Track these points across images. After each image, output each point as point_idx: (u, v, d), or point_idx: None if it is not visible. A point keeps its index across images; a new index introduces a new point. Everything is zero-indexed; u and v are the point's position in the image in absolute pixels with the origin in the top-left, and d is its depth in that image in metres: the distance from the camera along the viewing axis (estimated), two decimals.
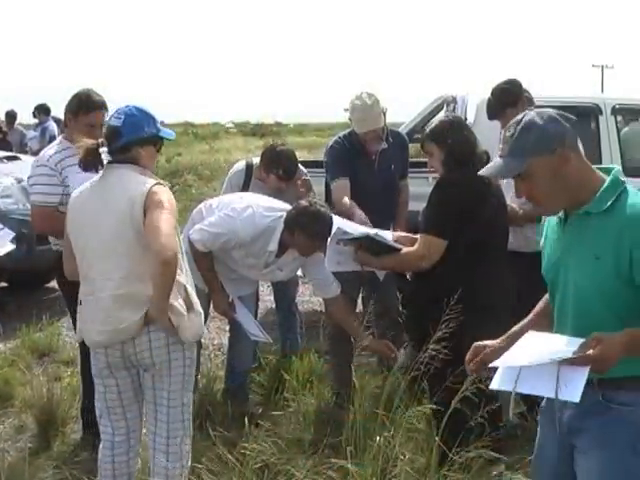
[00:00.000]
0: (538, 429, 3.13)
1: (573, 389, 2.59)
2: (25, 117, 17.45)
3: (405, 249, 4.55)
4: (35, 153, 12.48)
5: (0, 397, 6.01)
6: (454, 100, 8.19)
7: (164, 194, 3.86)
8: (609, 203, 2.72)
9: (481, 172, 2.98)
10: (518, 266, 4.65)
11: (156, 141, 4.09)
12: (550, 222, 3.02)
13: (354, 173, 5.63)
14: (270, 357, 6.01)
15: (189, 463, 3.99)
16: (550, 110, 2.82)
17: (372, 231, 4.72)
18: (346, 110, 5.92)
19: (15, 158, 10.40)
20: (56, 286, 7.97)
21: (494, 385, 2.80)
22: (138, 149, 4.00)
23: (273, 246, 5.04)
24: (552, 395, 2.63)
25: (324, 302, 5.41)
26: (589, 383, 2.61)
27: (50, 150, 5.16)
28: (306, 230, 4.92)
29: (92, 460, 4.73)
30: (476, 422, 3.79)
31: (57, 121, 15.68)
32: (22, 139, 16.27)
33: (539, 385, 2.67)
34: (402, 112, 9.79)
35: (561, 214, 2.88)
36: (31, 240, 8.25)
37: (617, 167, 2.88)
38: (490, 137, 5.44)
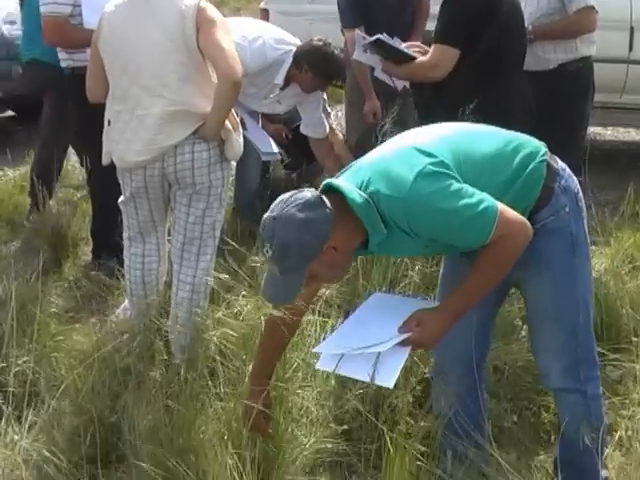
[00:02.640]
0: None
1: (389, 374, 2.61)
2: None
3: (419, 58, 4.40)
4: None
5: (11, 221, 6.05)
6: None
7: (214, 11, 3.75)
8: (382, 226, 2.60)
9: (262, 294, 2.79)
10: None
11: None
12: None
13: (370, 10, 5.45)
14: (282, 172, 6.01)
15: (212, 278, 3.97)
16: (293, 210, 2.52)
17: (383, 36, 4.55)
18: None
19: None
20: None
21: (318, 365, 2.80)
22: None
23: (280, 79, 5.07)
24: (367, 380, 2.64)
25: (310, 141, 5.55)
26: None
27: None
28: (315, 68, 5.02)
29: (103, 279, 4.77)
30: None
31: None
32: None
33: (358, 368, 2.65)
34: None
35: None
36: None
37: (339, 185, 2.62)
38: None
